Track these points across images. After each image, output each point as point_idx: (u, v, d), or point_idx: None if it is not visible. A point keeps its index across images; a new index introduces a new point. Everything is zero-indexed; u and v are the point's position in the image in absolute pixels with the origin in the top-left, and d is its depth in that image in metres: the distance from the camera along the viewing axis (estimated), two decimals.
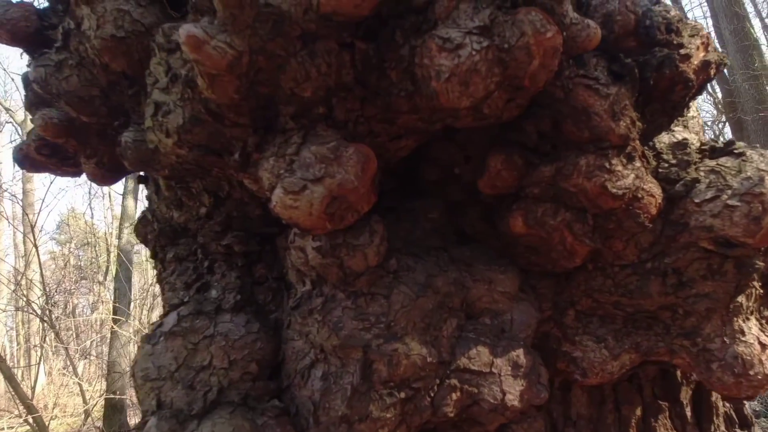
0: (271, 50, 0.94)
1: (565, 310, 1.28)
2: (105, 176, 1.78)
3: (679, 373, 1.47)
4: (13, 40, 1.66)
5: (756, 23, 10.87)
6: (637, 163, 1.02)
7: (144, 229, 2.08)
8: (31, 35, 1.65)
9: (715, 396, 1.50)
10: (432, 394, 1.09)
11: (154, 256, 1.65)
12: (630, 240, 1.11)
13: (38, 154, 1.79)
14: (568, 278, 1.26)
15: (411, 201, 1.29)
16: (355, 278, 1.08)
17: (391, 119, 1.07)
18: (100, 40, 1.24)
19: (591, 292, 1.23)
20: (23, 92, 1.92)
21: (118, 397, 8.87)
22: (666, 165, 1.10)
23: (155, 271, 1.97)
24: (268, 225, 1.29)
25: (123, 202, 11.90)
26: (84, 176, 1.98)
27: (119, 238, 11.96)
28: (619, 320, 1.26)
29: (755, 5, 11.49)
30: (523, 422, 1.36)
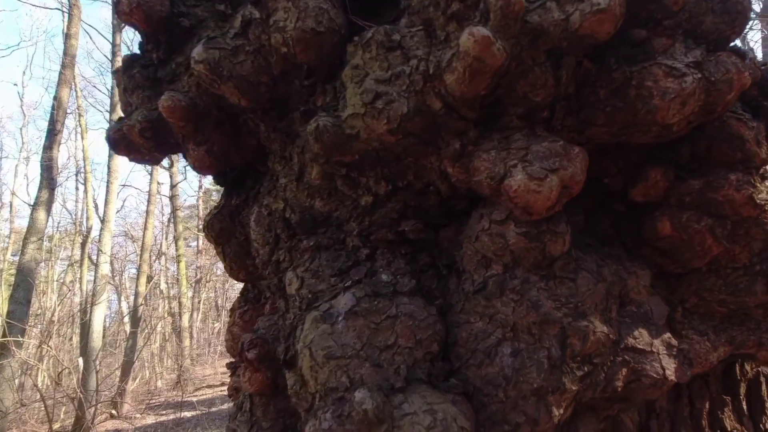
0: (523, 58, 1.10)
1: (675, 307, 1.51)
2: (212, 164, 1.78)
3: (738, 370, 1.75)
4: (146, 23, 1.66)
5: None
6: (767, 182, 1.30)
7: (219, 224, 2.05)
8: (162, 20, 1.67)
9: (763, 391, 1.79)
10: (606, 370, 1.24)
11: (274, 245, 1.65)
12: (746, 245, 1.38)
13: (140, 137, 1.75)
14: (679, 279, 1.50)
15: None
16: (550, 262, 1.23)
17: (580, 130, 1.27)
18: (299, 32, 1.32)
19: (700, 291, 1.48)
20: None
21: None
22: None
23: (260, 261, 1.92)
24: (438, 216, 1.39)
25: (32, 215, 10.75)
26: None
27: (22, 254, 10.71)
28: (716, 317, 1.52)
29: None
30: (629, 411, 1.54)
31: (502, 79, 1.13)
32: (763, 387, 1.80)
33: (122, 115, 1.93)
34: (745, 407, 1.76)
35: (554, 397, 1.18)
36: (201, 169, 1.79)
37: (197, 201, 26.37)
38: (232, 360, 2.34)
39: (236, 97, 1.46)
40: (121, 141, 1.80)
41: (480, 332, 1.27)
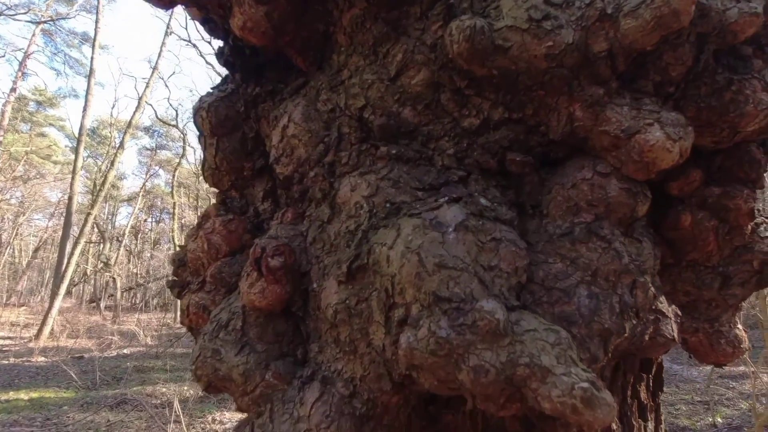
0: (683, 30, 1.21)
1: None
2: (266, 32, 1.53)
3: None
4: None
5: None
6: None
7: (226, 110, 1.76)
8: None
9: (663, 373, 2.24)
10: (642, 324, 1.42)
11: (335, 145, 1.45)
12: (722, 250, 1.73)
13: None
14: (662, 270, 1.80)
15: None
16: (632, 221, 1.36)
17: None
18: None
19: (675, 282, 1.80)
20: None
21: None
22: None
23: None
24: (535, 158, 1.41)
25: None
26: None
27: None
28: (675, 306, 1.86)
29: None
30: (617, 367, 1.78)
31: (659, 45, 1.22)
32: (663, 370, 2.26)
33: None
34: (651, 384, 2.18)
35: (616, 339, 1.31)
36: (250, 33, 1.48)
37: (3, 107, 20.54)
38: (175, 278, 1.98)
39: None
40: None
41: (559, 272, 1.33)
